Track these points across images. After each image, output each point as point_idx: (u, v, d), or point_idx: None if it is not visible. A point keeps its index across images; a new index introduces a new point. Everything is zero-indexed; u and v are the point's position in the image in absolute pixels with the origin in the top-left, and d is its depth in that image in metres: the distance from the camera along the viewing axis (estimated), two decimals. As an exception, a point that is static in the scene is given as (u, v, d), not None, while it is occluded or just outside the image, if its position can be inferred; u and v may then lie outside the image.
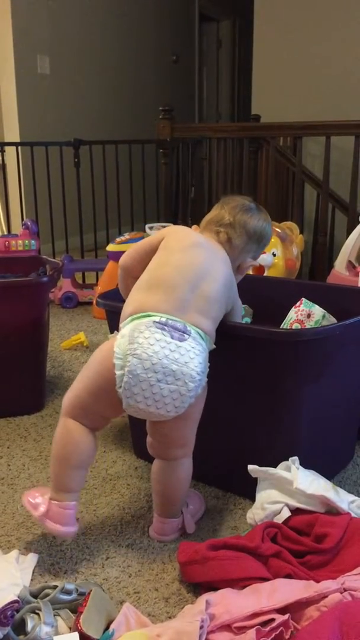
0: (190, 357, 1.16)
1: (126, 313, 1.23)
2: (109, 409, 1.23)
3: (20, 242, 3.00)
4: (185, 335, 1.17)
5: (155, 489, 1.30)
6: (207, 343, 1.23)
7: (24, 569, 1.19)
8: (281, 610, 0.98)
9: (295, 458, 1.27)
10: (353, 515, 1.20)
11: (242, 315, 1.70)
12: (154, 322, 1.17)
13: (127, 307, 1.24)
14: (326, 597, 0.99)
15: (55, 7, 4.53)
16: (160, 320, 1.17)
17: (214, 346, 1.26)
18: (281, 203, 3.98)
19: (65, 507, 1.21)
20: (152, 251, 1.33)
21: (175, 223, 3.33)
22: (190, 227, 1.42)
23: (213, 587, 1.09)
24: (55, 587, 1.06)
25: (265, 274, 2.41)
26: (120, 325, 1.23)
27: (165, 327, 1.17)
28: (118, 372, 1.16)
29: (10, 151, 3.69)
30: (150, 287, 1.24)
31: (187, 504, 1.33)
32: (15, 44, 4.18)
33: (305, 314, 1.52)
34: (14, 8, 4.13)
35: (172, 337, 1.16)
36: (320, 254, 3.38)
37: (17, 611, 1.01)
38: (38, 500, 1.22)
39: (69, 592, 1.05)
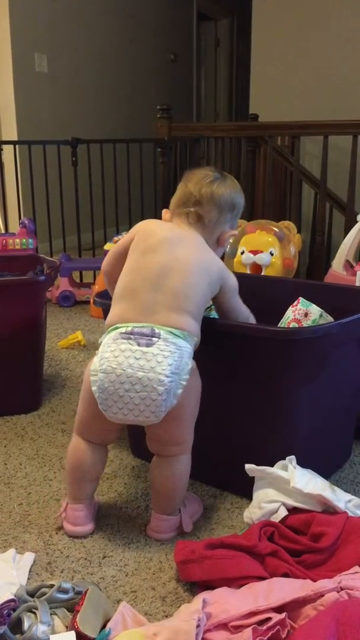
0: (157, 361, 1.15)
1: (105, 326, 1.27)
2: (105, 423, 1.24)
3: (17, 240, 3.00)
4: (153, 339, 1.17)
5: (153, 485, 1.30)
6: (186, 339, 1.21)
7: (20, 568, 1.18)
8: (278, 609, 0.98)
9: (292, 457, 1.27)
10: (350, 514, 1.21)
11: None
12: (120, 333, 1.20)
13: (106, 320, 1.28)
14: (323, 596, 0.99)
15: (54, 6, 4.52)
16: (126, 331, 1.19)
17: (196, 339, 1.24)
18: (279, 202, 3.98)
19: (77, 509, 1.29)
20: (125, 253, 1.33)
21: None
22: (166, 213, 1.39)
23: (210, 586, 1.09)
24: (51, 586, 1.06)
25: (262, 273, 2.42)
26: (100, 340, 1.26)
27: (131, 336, 1.18)
28: (94, 389, 1.20)
29: (7, 150, 3.68)
30: (119, 298, 1.27)
31: (185, 504, 1.33)
32: (13, 42, 4.17)
33: (302, 313, 1.52)
34: (12, 6, 4.12)
35: (138, 345, 1.17)
36: (317, 253, 3.38)
37: (14, 610, 1.01)
38: (62, 506, 1.33)
39: (65, 591, 1.05)
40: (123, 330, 1.20)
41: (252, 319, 1.43)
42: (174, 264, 1.25)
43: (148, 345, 1.17)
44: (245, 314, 1.42)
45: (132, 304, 1.23)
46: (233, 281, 1.36)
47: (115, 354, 1.17)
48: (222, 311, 1.40)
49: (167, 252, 1.27)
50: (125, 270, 1.30)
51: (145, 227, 1.34)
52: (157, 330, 1.18)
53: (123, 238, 1.37)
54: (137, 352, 1.16)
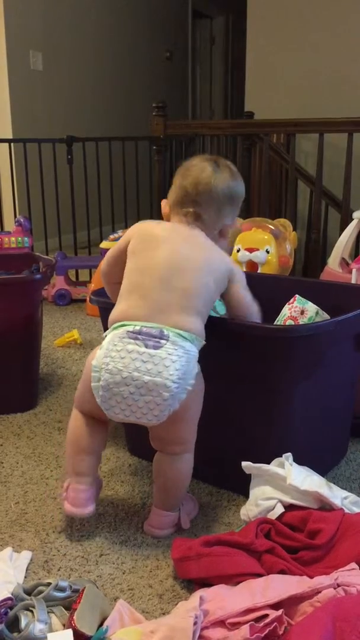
0: (165, 365, 1.14)
1: (110, 321, 1.25)
2: (100, 411, 1.23)
3: (13, 239, 3.00)
4: (161, 341, 1.15)
5: (156, 481, 1.30)
6: (193, 342, 1.20)
7: (17, 567, 1.18)
8: (275, 606, 0.98)
9: (289, 454, 1.27)
10: (346, 511, 1.21)
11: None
12: (128, 332, 1.17)
13: (111, 315, 1.25)
14: (320, 592, 0.99)
15: (49, 3, 4.50)
16: (134, 330, 1.17)
17: (202, 341, 1.23)
18: (274, 200, 3.99)
19: (79, 490, 1.27)
20: (122, 255, 1.31)
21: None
22: (162, 204, 1.38)
23: (207, 583, 1.09)
24: (48, 584, 1.06)
25: (258, 271, 2.42)
26: (104, 334, 1.25)
27: (139, 336, 1.16)
28: (94, 384, 1.18)
29: (2, 148, 3.67)
30: (127, 294, 1.25)
31: (182, 502, 1.33)
32: (8, 40, 4.16)
33: (298, 311, 1.52)
34: (6, 3, 4.10)
35: (146, 346, 1.15)
36: (313, 251, 3.39)
37: (11, 608, 1.01)
38: (64, 486, 1.30)
39: (62, 589, 1.05)
40: (131, 328, 1.17)
41: (258, 316, 1.38)
42: (184, 263, 1.23)
43: (156, 347, 1.14)
44: (254, 308, 1.37)
45: (141, 302, 1.21)
46: (240, 274, 1.34)
47: (122, 355, 1.15)
48: (231, 306, 1.36)
49: (173, 251, 1.25)
50: (132, 267, 1.27)
51: (144, 228, 1.32)
52: (165, 332, 1.16)
53: (119, 240, 1.35)
54: (144, 354, 1.14)
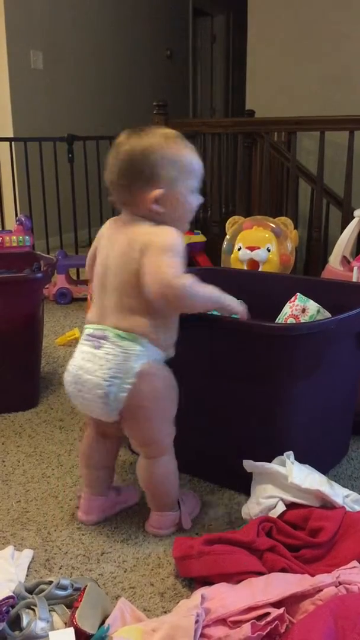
0: (100, 364, 1.17)
1: None
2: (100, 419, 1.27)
3: (14, 238, 3.00)
4: (101, 341, 1.19)
5: (140, 484, 1.32)
6: (136, 341, 1.16)
7: (19, 565, 1.18)
8: (276, 604, 0.98)
9: (290, 452, 1.27)
10: (348, 509, 1.21)
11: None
12: (86, 334, 1.23)
13: None
14: (321, 590, 0.99)
15: (50, 3, 4.50)
16: (89, 332, 1.23)
17: (152, 339, 1.17)
18: (276, 198, 3.98)
19: (89, 499, 1.33)
20: (94, 257, 1.30)
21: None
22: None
23: (208, 581, 1.09)
24: (50, 582, 1.06)
25: (260, 270, 2.41)
26: None
27: (91, 338, 1.21)
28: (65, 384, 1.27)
29: (3, 147, 3.67)
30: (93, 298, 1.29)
31: (184, 501, 1.33)
32: (9, 39, 4.16)
33: (299, 309, 1.52)
34: (7, 3, 4.10)
35: (93, 347, 1.20)
36: (314, 249, 3.38)
37: (13, 607, 1.01)
38: (79, 496, 1.38)
39: (64, 588, 1.05)
40: (88, 331, 1.24)
41: (192, 283, 1.13)
42: (109, 261, 1.21)
43: (97, 347, 1.18)
44: (181, 281, 1.11)
45: (93, 306, 1.26)
46: (162, 241, 1.14)
47: (76, 355, 1.23)
48: (145, 284, 1.14)
49: (105, 250, 1.24)
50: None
51: (102, 228, 1.30)
52: (106, 333, 1.19)
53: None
54: (89, 354, 1.19)
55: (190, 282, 1.12)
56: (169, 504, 1.30)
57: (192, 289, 1.13)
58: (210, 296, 1.19)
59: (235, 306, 1.26)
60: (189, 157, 1.20)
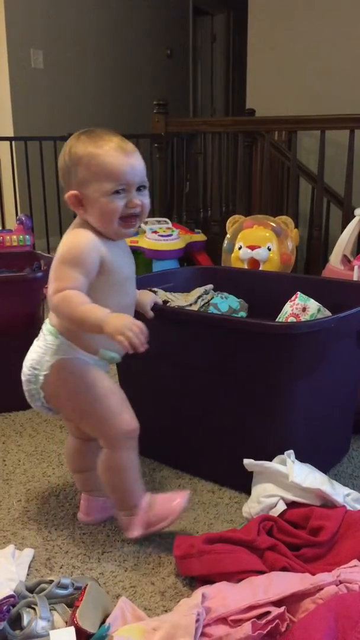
0: (30, 356, 1.24)
1: None
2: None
3: (14, 237, 2.99)
4: (41, 334, 1.25)
5: None
6: (54, 336, 1.22)
7: (19, 564, 1.18)
8: (277, 603, 0.98)
9: (291, 451, 1.27)
10: (348, 508, 1.21)
11: (237, 310, 1.70)
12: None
13: None
14: (322, 589, 0.99)
15: (50, 2, 4.50)
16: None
17: (65, 335, 1.20)
18: (276, 197, 3.98)
19: (88, 499, 1.35)
20: None
21: (170, 218, 3.33)
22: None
23: (209, 580, 1.09)
24: (51, 581, 1.06)
25: (260, 269, 2.41)
26: None
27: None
28: None
29: (4, 146, 3.67)
30: None
31: (152, 507, 1.23)
32: (9, 38, 4.16)
33: (300, 308, 1.52)
34: (8, 2, 4.10)
35: (37, 339, 1.26)
36: (315, 248, 3.38)
37: (13, 606, 1.01)
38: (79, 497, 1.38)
39: (65, 587, 1.05)
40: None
41: (64, 303, 1.14)
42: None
43: (37, 339, 1.25)
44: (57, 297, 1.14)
45: None
46: (60, 250, 1.17)
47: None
48: None
49: None
50: None
51: None
52: (44, 327, 1.25)
53: None
54: (33, 346, 1.26)
55: (62, 301, 1.13)
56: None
57: (62, 308, 1.14)
58: (83, 318, 1.12)
59: (117, 336, 1.08)
60: (105, 159, 1.14)
